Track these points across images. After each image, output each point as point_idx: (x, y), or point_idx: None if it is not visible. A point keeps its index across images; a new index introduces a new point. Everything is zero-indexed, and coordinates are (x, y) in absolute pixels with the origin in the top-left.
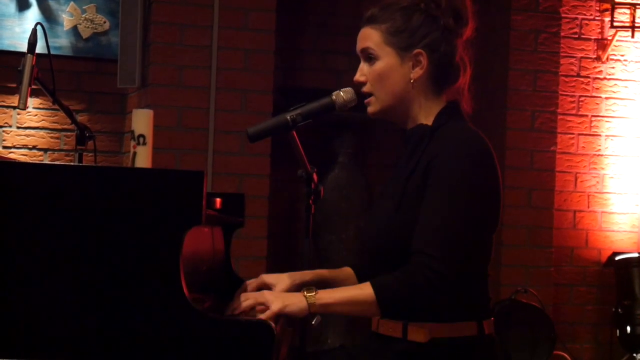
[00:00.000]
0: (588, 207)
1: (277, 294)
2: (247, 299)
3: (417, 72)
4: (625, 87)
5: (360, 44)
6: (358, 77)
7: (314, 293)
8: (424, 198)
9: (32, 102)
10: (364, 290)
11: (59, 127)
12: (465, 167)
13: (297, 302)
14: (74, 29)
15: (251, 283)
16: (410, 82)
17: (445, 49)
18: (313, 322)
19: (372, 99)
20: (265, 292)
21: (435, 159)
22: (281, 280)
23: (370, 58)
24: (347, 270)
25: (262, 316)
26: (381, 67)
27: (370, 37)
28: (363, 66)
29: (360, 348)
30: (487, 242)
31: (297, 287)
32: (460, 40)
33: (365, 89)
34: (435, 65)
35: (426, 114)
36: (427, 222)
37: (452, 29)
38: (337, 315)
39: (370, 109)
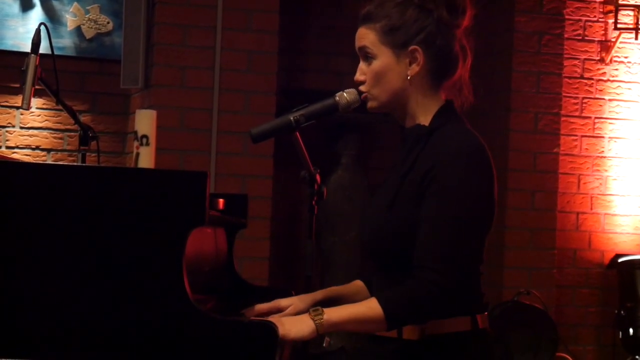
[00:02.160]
0: (591, 209)
1: (282, 320)
2: None
3: (414, 69)
4: (629, 89)
5: (357, 43)
6: (358, 76)
7: (320, 313)
8: (423, 207)
9: (35, 102)
10: (372, 308)
11: (62, 127)
12: (464, 175)
13: (303, 325)
14: (78, 30)
15: (262, 308)
16: (407, 79)
17: (441, 43)
18: (324, 344)
19: (369, 95)
20: (272, 318)
21: (434, 168)
22: (293, 302)
23: (368, 57)
24: (358, 284)
25: None
26: (378, 66)
27: (365, 37)
28: (362, 65)
29: (360, 350)
30: (482, 244)
31: (309, 308)
32: (458, 30)
33: (362, 87)
34: (433, 59)
35: (424, 112)
36: (428, 235)
37: (446, 21)
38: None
39: (369, 104)
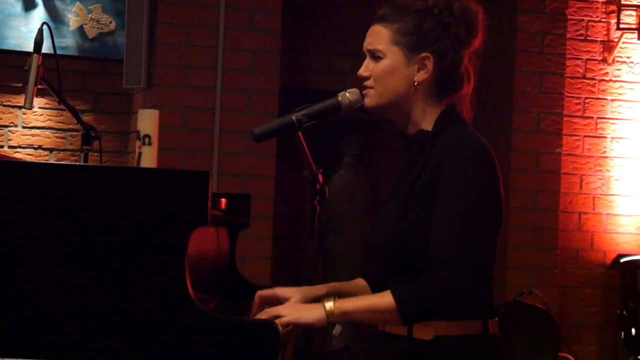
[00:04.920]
0: (593, 209)
1: (292, 305)
2: (262, 316)
3: (422, 76)
4: (631, 89)
5: (367, 41)
6: (362, 71)
7: (332, 303)
8: (434, 207)
9: (37, 101)
10: (384, 299)
11: (65, 127)
12: (471, 174)
13: (314, 312)
14: (80, 29)
15: (263, 293)
16: (413, 84)
17: (453, 57)
18: (334, 332)
19: (370, 91)
20: (280, 306)
21: (441, 168)
22: (294, 294)
23: (376, 56)
24: (360, 282)
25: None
26: (386, 65)
27: (379, 34)
28: (368, 62)
29: (365, 350)
30: (493, 244)
31: (310, 302)
32: (468, 50)
33: (367, 83)
34: (441, 71)
35: (426, 119)
36: (441, 232)
37: (462, 38)
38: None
39: (367, 101)
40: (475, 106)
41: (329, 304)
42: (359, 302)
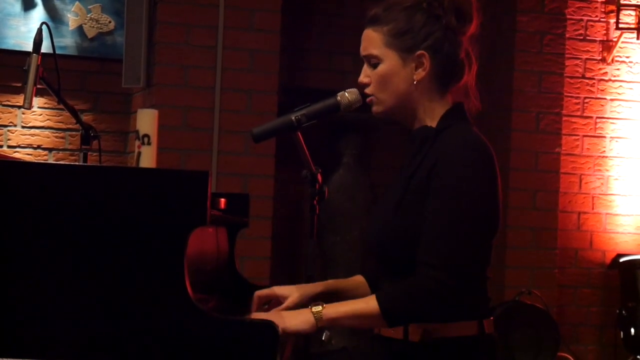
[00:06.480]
0: (592, 208)
1: (282, 314)
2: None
3: (420, 74)
4: (630, 88)
5: (362, 47)
6: (362, 78)
7: (320, 308)
8: (427, 207)
9: (37, 101)
10: (369, 304)
11: (64, 126)
12: (467, 174)
13: (303, 319)
14: (79, 29)
15: (261, 293)
16: (413, 83)
17: (448, 49)
18: (323, 338)
19: (374, 98)
20: (271, 313)
21: (438, 166)
22: (292, 293)
23: (373, 62)
24: (358, 279)
25: None
26: (384, 69)
27: (372, 40)
28: (367, 68)
29: (362, 350)
30: (488, 246)
31: (308, 300)
32: (464, 37)
33: (368, 90)
34: (439, 65)
35: (431, 115)
36: (429, 232)
37: (454, 27)
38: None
39: (374, 109)
40: (480, 95)
41: (317, 311)
42: (345, 307)
